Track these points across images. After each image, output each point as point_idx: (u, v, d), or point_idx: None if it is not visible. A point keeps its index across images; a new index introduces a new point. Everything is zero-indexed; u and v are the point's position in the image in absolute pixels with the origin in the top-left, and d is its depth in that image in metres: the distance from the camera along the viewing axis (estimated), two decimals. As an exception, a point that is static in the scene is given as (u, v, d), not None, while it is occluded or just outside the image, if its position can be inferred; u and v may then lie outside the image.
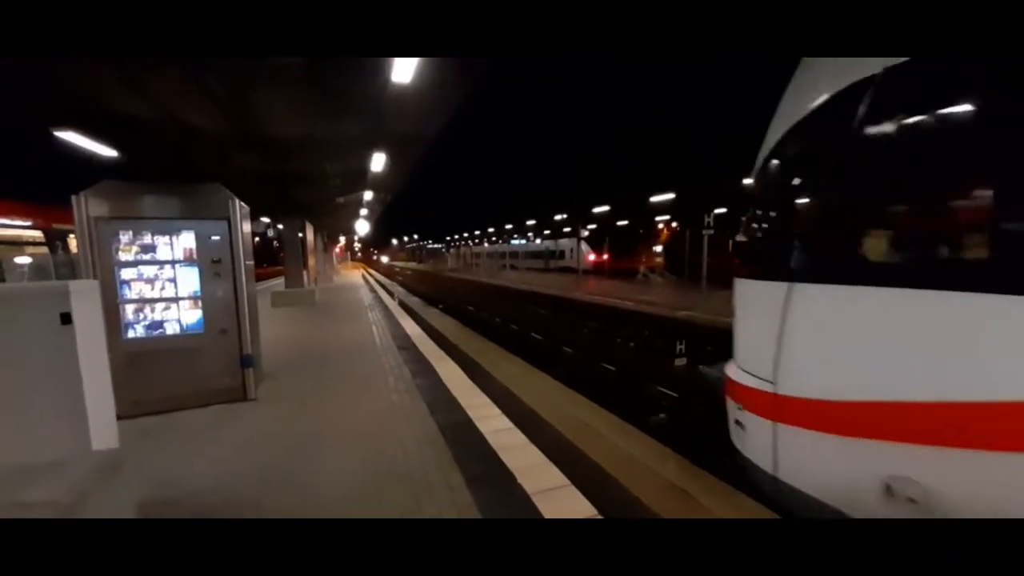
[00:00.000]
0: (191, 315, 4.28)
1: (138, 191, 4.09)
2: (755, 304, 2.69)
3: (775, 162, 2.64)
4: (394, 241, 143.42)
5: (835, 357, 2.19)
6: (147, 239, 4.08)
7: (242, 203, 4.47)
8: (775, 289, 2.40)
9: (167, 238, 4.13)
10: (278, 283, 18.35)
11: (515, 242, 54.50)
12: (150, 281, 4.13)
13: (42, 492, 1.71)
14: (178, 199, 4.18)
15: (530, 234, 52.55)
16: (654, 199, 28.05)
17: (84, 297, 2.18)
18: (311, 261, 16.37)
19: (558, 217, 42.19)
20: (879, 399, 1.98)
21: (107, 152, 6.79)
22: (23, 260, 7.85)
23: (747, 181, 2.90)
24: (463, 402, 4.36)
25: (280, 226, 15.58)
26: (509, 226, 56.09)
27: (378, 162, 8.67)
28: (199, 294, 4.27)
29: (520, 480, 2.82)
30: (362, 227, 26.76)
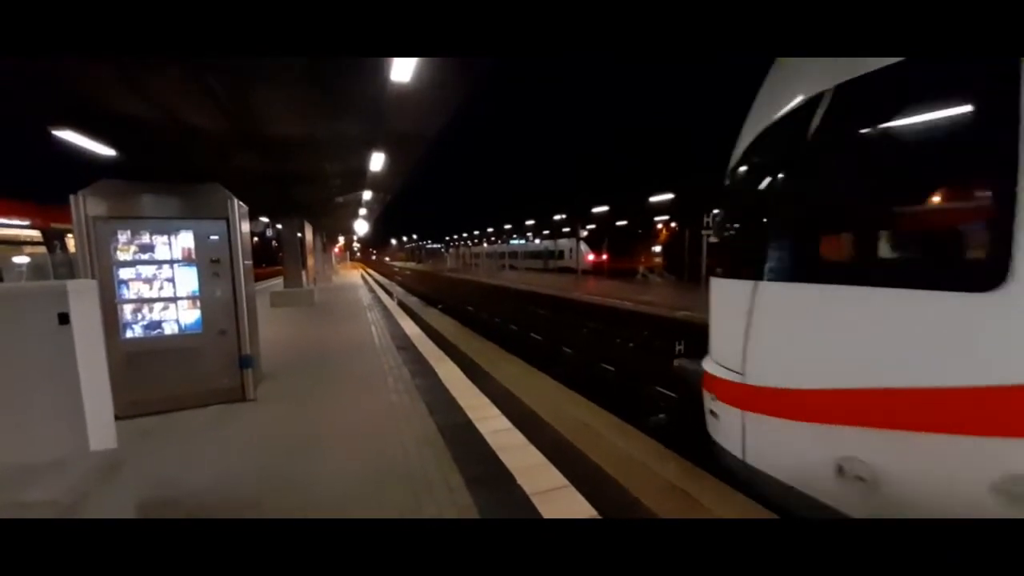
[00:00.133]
0: (190, 315, 4.27)
1: (137, 190, 4.08)
2: (726, 301, 2.88)
3: (742, 168, 2.84)
4: (393, 241, 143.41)
5: (792, 349, 2.40)
6: (145, 239, 4.08)
7: (241, 203, 4.46)
8: (743, 287, 2.61)
9: (165, 238, 4.13)
10: (277, 283, 18.33)
11: (514, 242, 54.50)
12: (148, 281, 4.12)
13: (41, 492, 1.70)
14: (177, 199, 4.18)
15: (529, 234, 52.54)
16: (653, 199, 28.05)
17: (82, 297, 2.17)
18: (310, 261, 16.35)
19: (557, 217, 42.18)
20: (830, 387, 2.17)
21: (106, 151, 6.78)
22: (21, 260, 7.83)
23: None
24: (462, 402, 4.35)
25: (279, 226, 15.56)
26: (508, 226, 56.04)
27: (377, 162, 8.66)
28: (198, 294, 4.26)
29: (519, 480, 2.82)
30: (361, 227, 26.73)
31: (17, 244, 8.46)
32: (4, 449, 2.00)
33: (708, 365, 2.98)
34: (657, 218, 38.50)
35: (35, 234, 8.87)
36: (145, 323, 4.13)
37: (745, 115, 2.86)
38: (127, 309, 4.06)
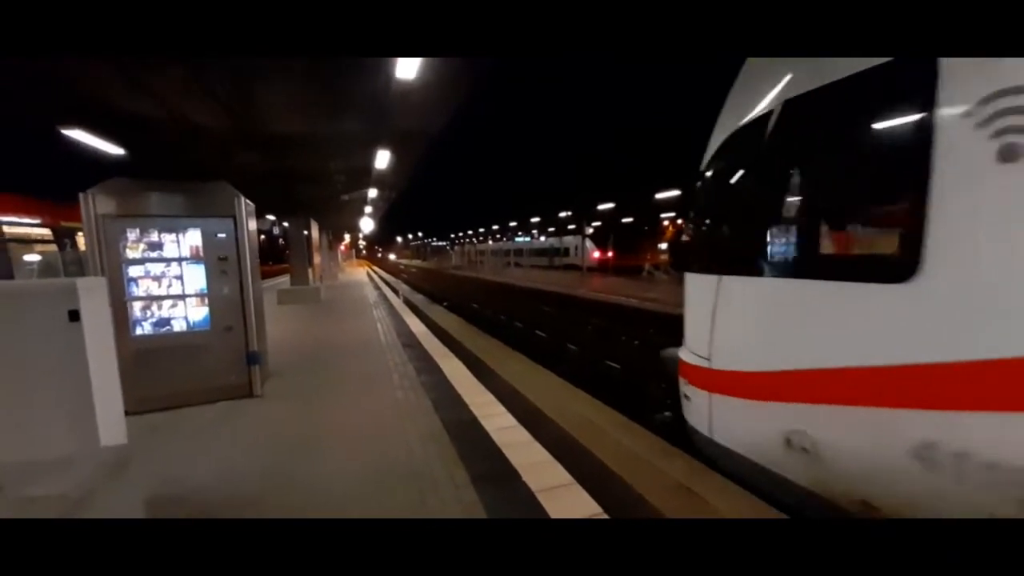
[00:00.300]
0: (198, 312, 4.31)
1: (145, 189, 4.12)
2: (697, 294, 3.16)
3: (708, 172, 3.16)
4: (398, 239, 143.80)
5: (747, 336, 2.74)
6: (154, 237, 4.11)
7: (248, 201, 4.49)
8: (709, 281, 2.93)
9: (174, 236, 4.16)
10: (284, 281, 18.46)
11: (519, 239, 54.45)
12: (157, 278, 4.15)
13: (52, 487, 1.73)
14: (184, 197, 4.21)
15: (534, 231, 52.46)
16: (659, 196, 27.90)
17: (92, 294, 2.20)
18: (316, 259, 16.45)
19: (562, 215, 42.10)
20: (778, 369, 2.47)
21: (114, 150, 6.85)
22: (32, 258, 7.94)
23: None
24: (468, 399, 4.36)
25: (286, 224, 15.66)
26: (513, 223, 56.02)
27: (382, 159, 8.69)
28: (205, 291, 4.29)
29: (524, 477, 2.82)
30: (367, 224, 26.84)
31: (29, 242, 8.58)
32: (16, 444, 2.03)
33: (683, 353, 3.29)
34: (663, 215, 38.33)
35: (46, 232, 8.98)
36: (154, 320, 4.18)
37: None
38: (136, 306, 4.11)
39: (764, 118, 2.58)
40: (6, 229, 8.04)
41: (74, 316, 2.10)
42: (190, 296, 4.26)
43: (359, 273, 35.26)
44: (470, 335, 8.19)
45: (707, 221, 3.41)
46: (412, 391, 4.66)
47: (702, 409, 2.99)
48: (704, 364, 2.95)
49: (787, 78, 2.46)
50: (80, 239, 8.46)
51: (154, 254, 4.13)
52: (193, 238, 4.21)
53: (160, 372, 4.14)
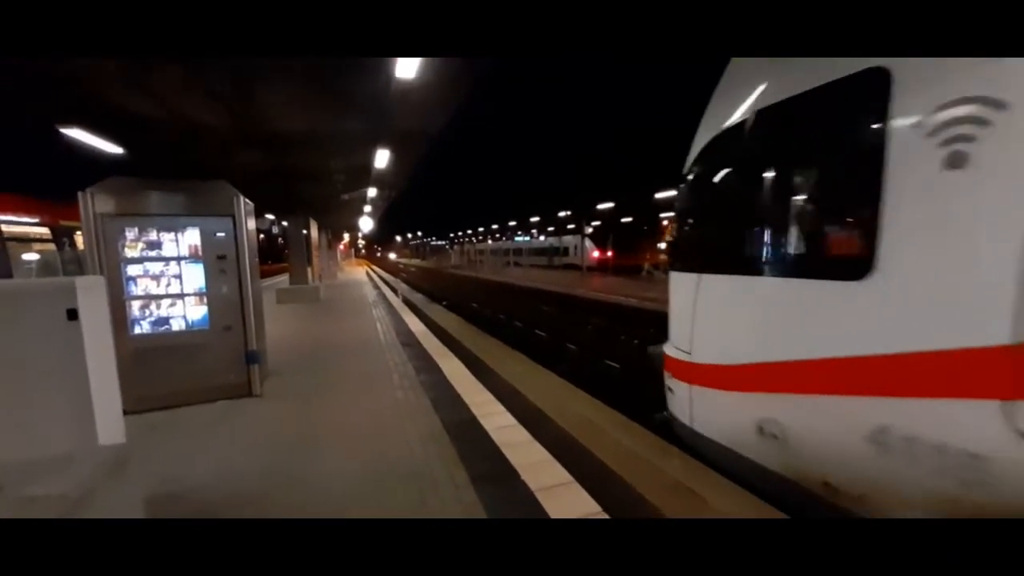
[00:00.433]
0: (196, 311, 4.30)
1: (144, 188, 4.11)
2: (679, 292, 3.32)
3: (688, 176, 3.29)
4: (398, 238, 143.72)
5: (722, 330, 2.92)
6: (153, 236, 4.10)
7: (247, 200, 4.48)
8: (690, 279, 3.12)
9: (172, 235, 4.15)
10: (283, 280, 18.44)
11: (519, 239, 54.43)
12: (156, 277, 4.15)
13: (51, 486, 1.72)
14: (183, 196, 4.20)
15: (534, 231, 52.45)
16: (659, 195, 27.90)
17: (90, 293, 2.18)
18: (315, 258, 16.43)
19: (562, 214, 42.10)
20: (749, 361, 2.65)
21: (113, 149, 6.83)
22: (31, 256, 7.91)
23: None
24: (467, 399, 4.36)
25: (285, 223, 15.63)
26: (513, 223, 56.02)
27: (382, 158, 8.67)
28: (204, 290, 4.28)
29: (524, 477, 2.82)
30: (366, 224, 26.81)
31: (27, 241, 8.55)
32: (15, 443, 2.02)
33: (667, 348, 3.47)
34: (663, 215, 38.30)
35: (44, 231, 8.95)
36: (153, 319, 4.17)
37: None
38: (135, 305, 4.10)
39: (739, 126, 2.75)
40: (4, 228, 8.02)
41: (72, 315, 2.09)
42: (189, 295, 4.25)
43: (358, 272, 35.23)
44: (469, 334, 8.19)
45: (688, 222, 3.59)
46: (411, 390, 4.66)
47: (683, 401, 3.19)
48: (685, 358, 3.15)
49: (760, 88, 2.61)
50: (79, 238, 8.44)
51: (153, 253, 4.13)
52: (192, 237, 4.20)
53: (159, 371, 4.13)
